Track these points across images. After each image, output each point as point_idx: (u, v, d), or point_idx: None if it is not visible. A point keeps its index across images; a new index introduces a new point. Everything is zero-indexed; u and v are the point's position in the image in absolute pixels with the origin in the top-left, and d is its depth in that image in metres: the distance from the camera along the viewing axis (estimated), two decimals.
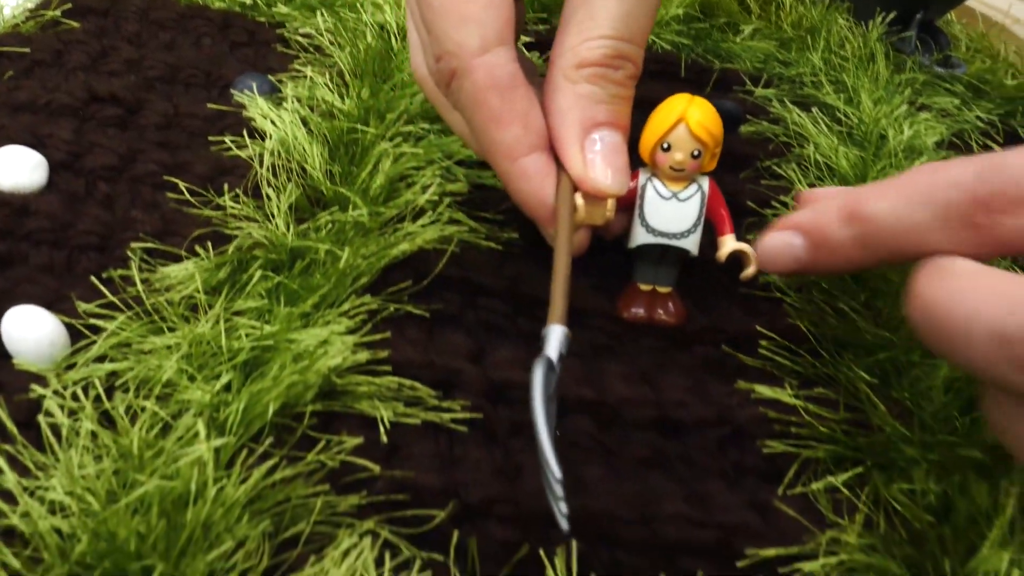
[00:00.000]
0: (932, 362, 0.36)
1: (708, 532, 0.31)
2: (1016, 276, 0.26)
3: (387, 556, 0.29)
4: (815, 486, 0.32)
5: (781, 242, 0.35)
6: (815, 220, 0.33)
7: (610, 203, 0.35)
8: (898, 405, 0.35)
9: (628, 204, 0.37)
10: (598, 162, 0.35)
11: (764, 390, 0.36)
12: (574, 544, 0.29)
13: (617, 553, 0.30)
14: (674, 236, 0.36)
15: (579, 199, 0.35)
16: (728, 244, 0.37)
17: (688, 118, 0.34)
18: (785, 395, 0.35)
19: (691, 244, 0.37)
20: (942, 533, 0.29)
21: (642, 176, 0.37)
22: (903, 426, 0.33)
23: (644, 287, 0.38)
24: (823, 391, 0.36)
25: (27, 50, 0.49)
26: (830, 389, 0.36)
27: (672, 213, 0.36)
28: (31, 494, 0.28)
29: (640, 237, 0.36)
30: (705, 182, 0.36)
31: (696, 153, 0.35)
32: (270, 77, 0.48)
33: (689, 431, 0.35)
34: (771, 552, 0.30)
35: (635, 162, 0.36)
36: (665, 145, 0.35)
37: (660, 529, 0.31)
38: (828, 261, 0.33)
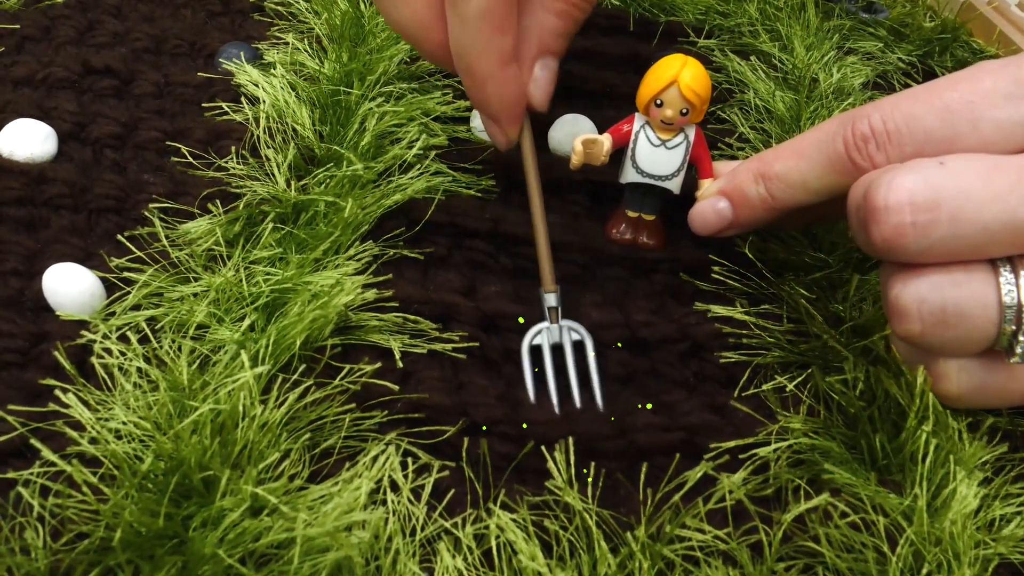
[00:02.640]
0: (863, 278, 0.41)
1: (674, 435, 0.36)
2: (880, 169, 0.33)
3: (409, 462, 0.34)
4: (765, 387, 0.38)
5: (709, 206, 0.41)
6: (734, 183, 0.40)
7: (606, 148, 0.40)
8: (833, 316, 0.41)
9: (622, 145, 0.41)
10: (540, 83, 0.42)
11: (718, 309, 0.41)
12: (570, 446, 0.34)
13: (601, 462, 0.36)
14: (660, 178, 0.41)
15: (578, 144, 0.40)
16: (705, 187, 0.42)
17: (680, 80, 0.39)
18: (736, 312, 0.41)
19: (674, 185, 0.42)
20: (872, 415, 0.35)
21: (637, 122, 0.41)
22: (837, 333, 0.39)
23: (631, 214, 0.43)
24: (769, 307, 0.41)
25: (17, 26, 0.51)
26: (775, 305, 0.41)
27: (659, 158, 0.41)
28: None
29: (630, 176, 0.42)
30: (692, 131, 0.41)
31: (684, 111, 0.39)
32: (252, 45, 0.52)
33: (655, 348, 0.40)
34: (730, 443, 0.36)
35: (631, 110, 0.41)
36: (658, 101, 0.39)
37: (634, 439, 0.36)
38: (749, 216, 0.40)
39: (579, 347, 0.39)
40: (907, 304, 0.32)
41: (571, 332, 0.39)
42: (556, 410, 0.37)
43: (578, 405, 0.37)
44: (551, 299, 0.40)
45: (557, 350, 0.39)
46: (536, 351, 0.39)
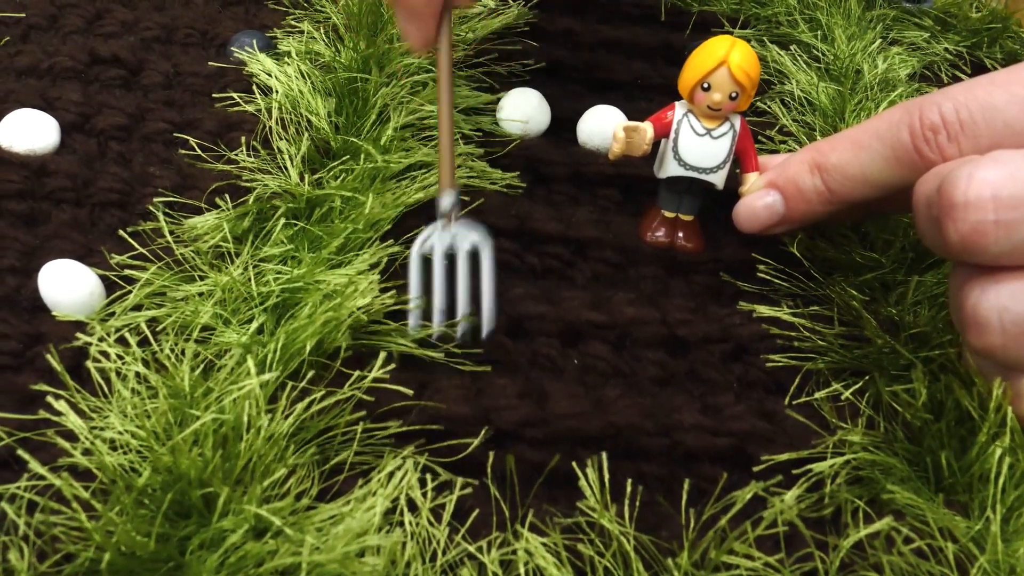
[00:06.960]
0: (920, 279, 0.38)
1: (723, 440, 0.33)
2: (957, 160, 0.30)
3: (428, 479, 0.31)
4: (819, 395, 0.35)
5: (758, 200, 0.38)
6: (786, 176, 0.37)
7: (648, 136, 0.37)
8: (887, 320, 0.37)
9: (663, 135, 0.38)
10: None
11: (763, 309, 0.38)
12: (604, 457, 0.31)
13: (642, 465, 0.33)
14: (704, 171, 0.38)
15: (619, 130, 0.37)
16: (751, 181, 0.39)
17: (730, 61, 0.36)
18: (783, 313, 0.38)
19: (719, 179, 0.39)
20: (939, 429, 0.32)
21: (679, 111, 0.38)
22: (893, 338, 0.36)
23: (668, 214, 0.40)
24: (818, 309, 0.38)
25: (23, 15, 0.49)
26: (824, 307, 0.38)
27: (705, 149, 0.38)
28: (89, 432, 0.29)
29: (672, 169, 0.38)
30: (737, 121, 0.38)
31: (734, 95, 0.36)
32: (266, 34, 0.49)
33: (694, 348, 0.37)
34: (783, 456, 0.33)
35: (675, 97, 0.39)
36: (705, 85, 0.36)
37: (680, 439, 0.33)
38: (803, 210, 0.37)
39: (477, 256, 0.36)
40: (987, 314, 0.29)
41: (467, 237, 0.36)
42: (435, 327, 0.35)
43: (457, 318, 0.35)
44: (447, 200, 0.36)
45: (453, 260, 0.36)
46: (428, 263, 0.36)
